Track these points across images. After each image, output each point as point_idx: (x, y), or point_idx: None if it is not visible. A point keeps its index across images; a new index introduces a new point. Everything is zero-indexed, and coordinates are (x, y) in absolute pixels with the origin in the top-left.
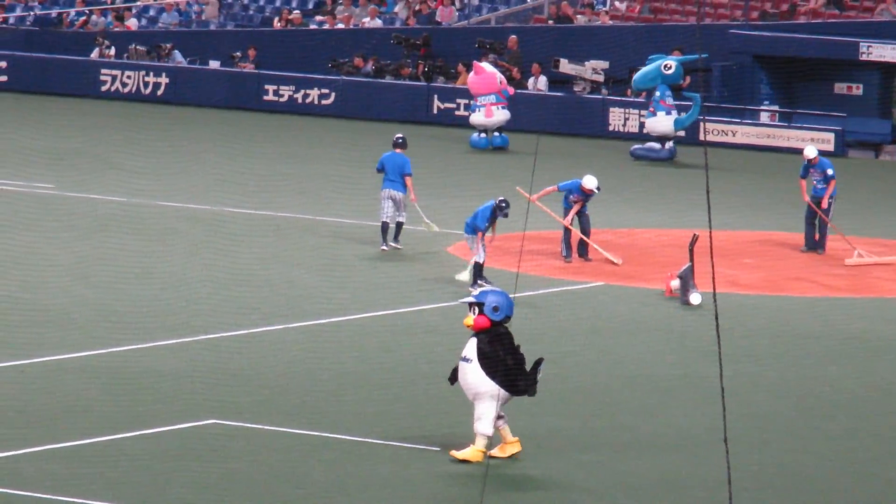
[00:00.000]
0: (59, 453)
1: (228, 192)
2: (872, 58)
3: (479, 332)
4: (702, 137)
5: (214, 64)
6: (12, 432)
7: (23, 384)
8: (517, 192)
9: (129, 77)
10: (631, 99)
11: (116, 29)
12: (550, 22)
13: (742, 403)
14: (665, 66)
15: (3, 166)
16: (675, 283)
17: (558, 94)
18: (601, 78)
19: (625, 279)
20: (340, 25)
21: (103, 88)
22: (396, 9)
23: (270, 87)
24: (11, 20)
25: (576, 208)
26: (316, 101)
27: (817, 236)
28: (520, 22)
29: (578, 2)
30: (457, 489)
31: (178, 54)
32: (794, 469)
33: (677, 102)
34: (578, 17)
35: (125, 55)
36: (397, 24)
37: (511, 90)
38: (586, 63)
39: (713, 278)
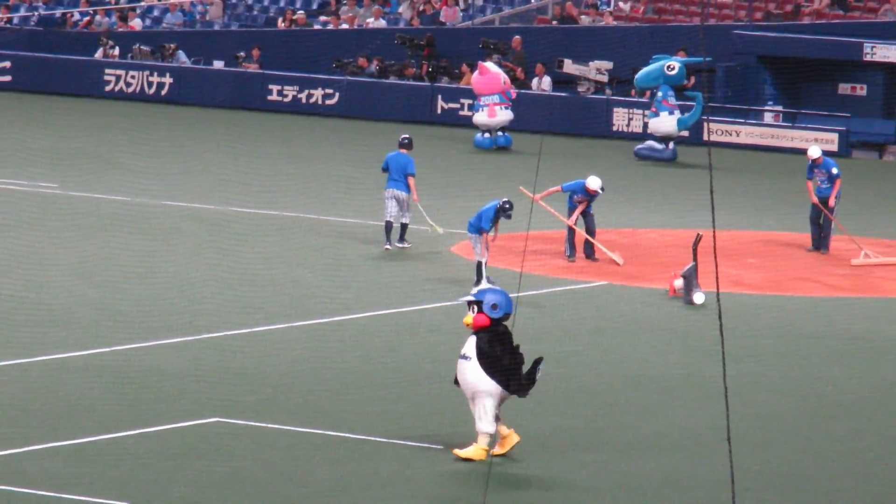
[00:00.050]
0: (62, 452)
1: (232, 191)
2: (876, 58)
3: (478, 331)
4: (706, 137)
5: (218, 64)
6: (15, 431)
7: (26, 383)
8: (520, 191)
9: (132, 77)
10: (635, 99)
11: (120, 29)
12: (554, 22)
13: (745, 403)
14: (668, 66)
15: (6, 166)
16: (679, 283)
17: (562, 94)
18: (605, 78)
19: (628, 279)
20: (344, 26)
21: (107, 88)
22: (400, 9)
23: (274, 88)
24: (15, 20)
25: (580, 208)
26: (320, 102)
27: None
28: (524, 22)
29: (582, 2)
30: (460, 488)
31: (182, 54)
32: (797, 469)
33: (679, 102)
34: (582, 17)
35: (129, 55)
36: (401, 25)
37: (513, 92)
38: (590, 63)
39: (717, 278)
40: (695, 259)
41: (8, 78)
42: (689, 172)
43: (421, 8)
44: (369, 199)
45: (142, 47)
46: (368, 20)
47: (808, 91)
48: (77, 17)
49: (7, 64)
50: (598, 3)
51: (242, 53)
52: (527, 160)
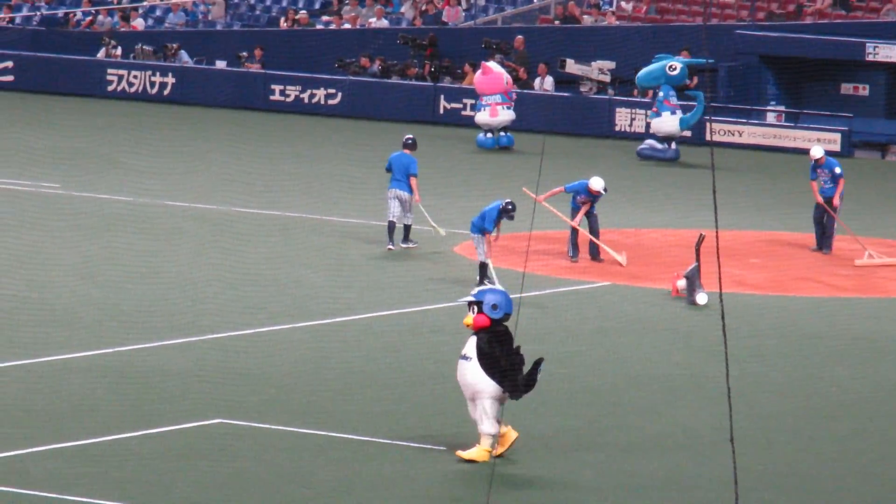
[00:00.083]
0: (66, 452)
1: (235, 191)
2: (879, 58)
3: (479, 331)
4: (708, 137)
5: (221, 64)
6: (18, 431)
7: (29, 383)
8: (524, 192)
9: (135, 77)
10: (637, 99)
11: (123, 29)
12: (557, 22)
13: (748, 403)
14: (670, 66)
15: (9, 166)
16: (682, 283)
17: (565, 94)
18: (607, 78)
19: (631, 279)
20: (347, 25)
21: (110, 88)
22: (403, 9)
23: (277, 87)
24: (18, 20)
25: (584, 209)
26: (322, 101)
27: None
28: (526, 22)
29: (585, 2)
30: (463, 489)
31: (184, 54)
32: (800, 469)
33: (681, 102)
34: (585, 17)
35: (132, 55)
36: (404, 25)
37: (514, 93)
38: (593, 63)
39: (719, 278)
40: (697, 259)
41: (10, 78)
42: (691, 172)
43: (423, 8)
44: (372, 199)
45: (144, 47)
46: (371, 20)
47: (811, 91)
48: (79, 16)
49: (9, 64)
50: (601, 2)
51: (245, 53)
52: (529, 160)
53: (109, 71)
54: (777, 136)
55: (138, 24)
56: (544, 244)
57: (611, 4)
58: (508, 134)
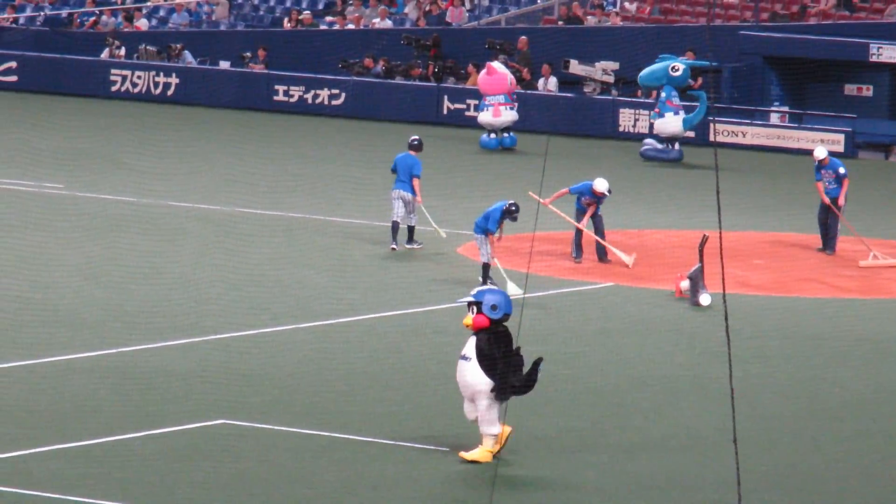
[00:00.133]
0: (69, 453)
1: (238, 192)
2: (882, 59)
3: (478, 331)
4: (712, 138)
5: (224, 64)
6: (21, 432)
7: (32, 384)
8: (529, 196)
9: (139, 77)
10: (641, 100)
11: (126, 29)
12: (561, 23)
13: (751, 404)
14: (673, 67)
15: (12, 166)
16: (685, 284)
17: (568, 94)
18: (611, 79)
19: (634, 280)
20: (351, 26)
21: (113, 89)
22: (407, 9)
23: (280, 88)
24: (22, 20)
25: (590, 211)
26: (326, 102)
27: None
28: (530, 23)
29: (589, 3)
30: (466, 490)
31: (188, 55)
32: (804, 470)
33: (683, 103)
34: (589, 17)
35: (135, 55)
36: (407, 25)
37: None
38: (596, 64)
39: (723, 279)
40: (701, 260)
41: (14, 78)
42: (695, 173)
43: (427, 8)
44: (375, 199)
45: (148, 47)
46: (374, 20)
47: (814, 92)
48: (83, 17)
49: (13, 64)
50: (605, 3)
51: (248, 54)
52: (532, 161)
53: (113, 71)
54: (781, 136)
55: (142, 24)
56: (547, 245)
57: (614, 5)
58: (512, 134)
